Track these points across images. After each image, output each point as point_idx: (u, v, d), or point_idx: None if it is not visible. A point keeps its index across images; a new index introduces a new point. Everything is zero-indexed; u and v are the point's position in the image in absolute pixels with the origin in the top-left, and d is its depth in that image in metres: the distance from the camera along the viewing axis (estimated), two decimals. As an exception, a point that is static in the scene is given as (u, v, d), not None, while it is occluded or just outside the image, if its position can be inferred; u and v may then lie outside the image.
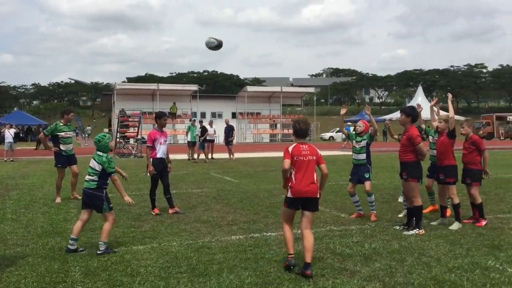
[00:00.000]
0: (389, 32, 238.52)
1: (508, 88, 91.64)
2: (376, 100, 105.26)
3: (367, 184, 7.98)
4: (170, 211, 8.60)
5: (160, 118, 8.86)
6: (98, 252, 5.88)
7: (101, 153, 6.12)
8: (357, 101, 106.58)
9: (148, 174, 8.73)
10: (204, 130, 22.00)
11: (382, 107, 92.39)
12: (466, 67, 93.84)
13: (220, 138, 29.28)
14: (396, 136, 8.49)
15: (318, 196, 5.28)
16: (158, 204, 8.82)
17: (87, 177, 6.10)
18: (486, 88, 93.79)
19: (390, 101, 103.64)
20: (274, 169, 17.41)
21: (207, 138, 23.14)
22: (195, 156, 21.94)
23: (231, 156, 22.24)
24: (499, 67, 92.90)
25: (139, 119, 28.62)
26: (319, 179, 5.34)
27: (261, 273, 5.11)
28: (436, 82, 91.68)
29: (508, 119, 57.25)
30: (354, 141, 8.19)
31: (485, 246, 6.19)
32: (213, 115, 45.34)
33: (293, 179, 5.25)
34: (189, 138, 22.33)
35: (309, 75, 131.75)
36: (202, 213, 8.60)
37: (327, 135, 57.75)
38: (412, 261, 5.54)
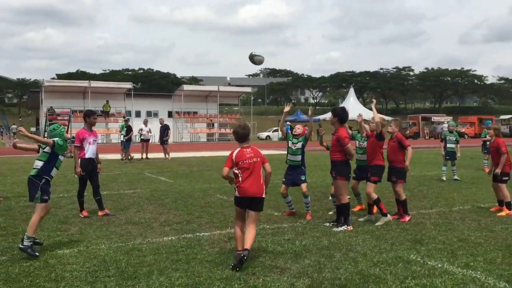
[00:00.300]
0: (323, 34, 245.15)
1: (433, 90, 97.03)
2: (311, 101, 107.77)
3: (304, 186, 8.11)
4: (100, 213, 8.32)
5: (89, 117, 8.53)
6: (20, 246, 5.67)
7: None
8: (293, 101, 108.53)
9: (76, 175, 8.40)
10: (129, 129, 21.15)
11: (317, 107, 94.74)
12: (394, 70, 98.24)
13: (155, 138, 28.73)
14: (325, 144, 8.67)
15: (263, 196, 5.57)
16: (87, 206, 8.51)
17: (34, 166, 6.02)
18: (412, 90, 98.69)
19: (324, 101, 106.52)
20: (210, 169, 17.37)
21: (142, 137, 22.64)
22: (131, 156, 21.39)
23: (167, 155, 21.89)
24: (425, 70, 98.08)
25: (68, 117, 27.49)
26: (264, 178, 5.63)
27: (192, 274, 5.07)
28: (367, 83, 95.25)
29: (432, 120, 60.62)
30: (290, 142, 8.27)
31: (408, 241, 6.51)
32: (149, 114, 44.47)
33: (240, 180, 5.52)
34: (122, 138, 21.72)
35: (246, 75, 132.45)
36: (134, 215, 8.40)
37: (264, 134, 58.33)
38: (340, 256, 5.72)
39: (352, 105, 50.68)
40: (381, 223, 7.48)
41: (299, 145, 8.18)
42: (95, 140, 8.47)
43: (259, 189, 5.51)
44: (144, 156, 22.17)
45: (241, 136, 5.66)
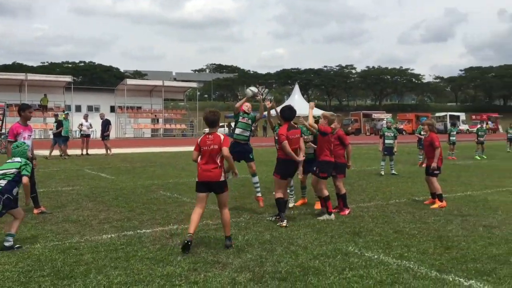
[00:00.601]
0: (268, 31, 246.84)
1: (374, 88, 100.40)
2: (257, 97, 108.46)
3: (253, 165, 8.30)
4: (35, 211, 7.98)
5: (24, 111, 8.14)
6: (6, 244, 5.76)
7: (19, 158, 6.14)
8: (239, 97, 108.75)
9: None
10: (59, 124, 20.20)
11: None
12: (337, 68, 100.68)
13: (97, 133, 27.89)
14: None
15: (221, 179, 5.89)
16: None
17: None
18: (355, 87, 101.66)
19: (270, 98, 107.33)
20: (153, 165, 17.09)
21: (82, 133, 21.92)
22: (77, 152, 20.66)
23: (108, 151, 21.31)
24: (366, 69, 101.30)
25: (3, 111, 26.11)
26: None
27: (132, 271, 4.97)
28: (311, 81, 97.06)
29: (373, 117, 62.75)
30: (241, 117, 8.39)
31: (347, 233, 6.71)
32: (90, 108, 43.05)
33: (199, 165, 5.92)
34: (61, 133, 20.90)
35: (192, 70, 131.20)
36: (72, 212, 8.12)
37: (209, 130, 58.03)
38: (281, 250, 5.81)
39: (297, 102, 51.50)
40: (323, 219, 7.62)
41: (249, 121, 8.38)
42: (30, 135, 8.09)
43: (215, 173, 5.83)
44: (84, 152, 21.48)
45: (211, 121, 6.03)
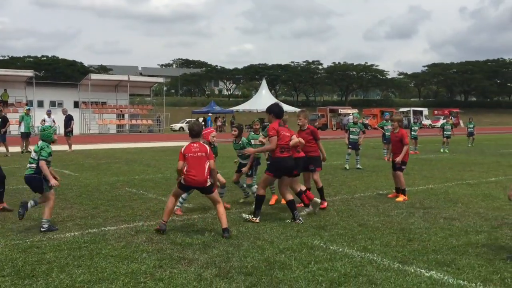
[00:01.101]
0: (236, 26, 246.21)
1: (340, 84, 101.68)
2: (225, 92, 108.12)
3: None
4: (-4, 208, 7.74)
5: None
6: (41, 229, 6.45)
7: (40, 142, 6.64)
8: (207, 92, 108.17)
9: None
10: (4, 120, 19.17)
11: (230, 99, 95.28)
12: (304, 63, 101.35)
13: (60, 129, 27.19)
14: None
15: (207, 185, 6.39)
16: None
17: (27, 166, 6.69)
18: (321, 83, 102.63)
19: (238, 93, 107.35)
20: (119, 161, 16.81)
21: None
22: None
23: (70, 148, 20.84)
24: (332, 64, 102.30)
25: (-40, 107, 25.09)
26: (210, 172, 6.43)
27: (95, 269, 4.89)
28: (278, 76, 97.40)
29: (339, 112, 63.55)
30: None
31: (313, 227, 6.79)
32: (53, 104, 41.96)
33: (185, 171, 6.33)
34: (22, 129, 20.31)
35: (159, 64, 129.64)
36: (33, 211, 7.85)
37: (177, 125, 57.51)
38: (248, 245, 5.82)
39: (264, 97, 51.78)
40: (305, 213, 7.60)
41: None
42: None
43: (202, 179, 6.32)
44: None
45: (196, 132, 6.53)
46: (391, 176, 9.59)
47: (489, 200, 8.95)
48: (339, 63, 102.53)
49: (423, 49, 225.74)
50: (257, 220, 7.09)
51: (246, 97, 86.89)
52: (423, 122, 61.37)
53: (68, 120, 21.61)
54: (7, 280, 4.59)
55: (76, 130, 22.69)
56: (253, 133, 9.06)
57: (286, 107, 51.33)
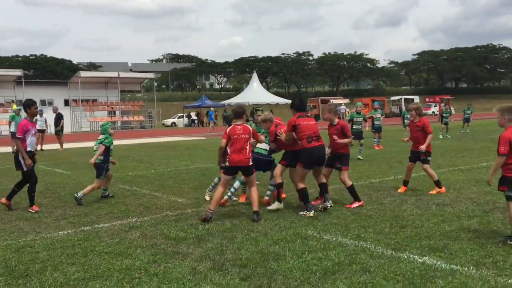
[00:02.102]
0: (225, 19, 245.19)
1: (331, 74, 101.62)
2: (216, 86, 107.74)
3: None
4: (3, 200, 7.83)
5: (30, 107, 8.00)
6: (75, 195, 8.20)
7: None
8: (198, 87, 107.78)
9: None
10: None
11: (222, 92, 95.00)
12: (295, 55, 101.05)
13: (51, 128, 27.05)
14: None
15: (249, 165, 6.76)
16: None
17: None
18: (312, 74, 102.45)
19: (229, 86, 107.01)
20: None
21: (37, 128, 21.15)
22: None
23: (62, 146, 20.72)
24: (323, 55, 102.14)
25: None
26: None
27: (89, 267, 4.88)
28: (269, 68, 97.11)
29: (331, 102, 63.69)
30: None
31: (306, 218, 6.81)
32: (43, 103, 41.56)
33: (229, 153, 6.76)
34: (12, 129, 20.11)
35: (148, 60, 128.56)
36: (26, 210, 7.86)
37: (169, 121, 57.34)
38: (242, 237, 5.84)
39: (256, 90, 51.61)
40: (274, 208, 7.40)
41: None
42: (36, 131, 8.18)
43: (245, 158, 6.71)
44: (39, 147, 20.76)
45: (237, 113, 6.95)
46: (384, 165, 9.59)
47: (481, 185, 9.02)
48: (329, 53, 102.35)
49: (413, 36, 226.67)
50: (311, 214, 6.90)
51: (238, 90, 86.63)
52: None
53: (58, 119, 21.48)
54: (1, 280, 4.58)
55: (67, 128, 22.58)
56: (254, 125, 8.26)
57: (278, 99, 51.25)
